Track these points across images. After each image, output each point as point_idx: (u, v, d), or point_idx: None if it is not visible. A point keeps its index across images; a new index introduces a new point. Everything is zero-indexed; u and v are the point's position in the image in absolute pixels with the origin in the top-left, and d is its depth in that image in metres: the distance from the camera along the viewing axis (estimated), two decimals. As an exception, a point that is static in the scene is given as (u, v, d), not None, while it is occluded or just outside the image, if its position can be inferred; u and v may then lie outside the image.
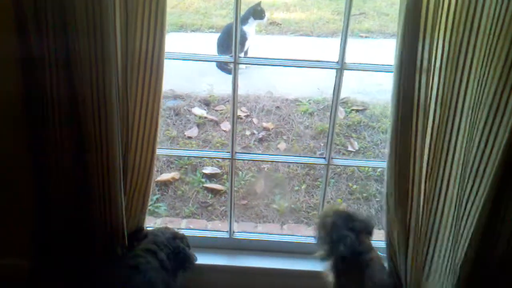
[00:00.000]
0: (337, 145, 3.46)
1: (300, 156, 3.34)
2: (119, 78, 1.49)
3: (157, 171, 3.18)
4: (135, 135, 1.63)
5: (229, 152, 1.94)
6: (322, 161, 1.97)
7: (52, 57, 1.46)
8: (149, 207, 2.84)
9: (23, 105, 1.55)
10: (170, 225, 2.12)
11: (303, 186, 3.11)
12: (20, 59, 1.49)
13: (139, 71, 1.54)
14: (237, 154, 1.97)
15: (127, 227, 1.72)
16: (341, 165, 3.13)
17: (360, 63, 1.77)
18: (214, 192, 3.04)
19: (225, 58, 2.03)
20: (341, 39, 1.67)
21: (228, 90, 3.83)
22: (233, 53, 1.74)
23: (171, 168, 3.23)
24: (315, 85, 4.19)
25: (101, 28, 1.39)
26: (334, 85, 1.77)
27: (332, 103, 1.82)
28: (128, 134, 1.60)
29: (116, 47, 1.45)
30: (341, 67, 1.72)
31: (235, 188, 2.67)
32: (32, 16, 1.41)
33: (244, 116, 3.80)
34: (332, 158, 1.92)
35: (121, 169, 1.60)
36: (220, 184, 3.11)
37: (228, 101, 3.97)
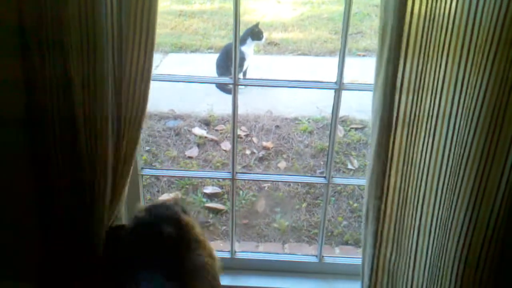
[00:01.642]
0: (337, 163, 3.48)
1: (301, 176, 3.35)
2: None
3: (158, 191, 3.19)
4: None
5: (230, 172, 1.96)
6: (322, 180, 1.98)
7: (53, 77, 1.48)
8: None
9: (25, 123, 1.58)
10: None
11: (304, 205, 3.11)
12: (24, 81, 1.51)
13: (129, 90, 1.55)
14: (238, 174, 1.98)
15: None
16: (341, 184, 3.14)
17: (358, 83, 1.80)
18: (215, 211, 3.05)
19: (225, 80, 2.06)
20: (339, 60, 1.70)
21: (228, 110, 3.87)
22: (232, 75, 1.77)
23: (172, 188, 3.24)
24: (314, 104, 4.22)
25: (94, 48, 1.43)
26: (333, 105, 1.80)
27: (331, 122, 1.84)
28: None
29: (114, 67, 1.49)
30: (339, 87, 1.75)
31: (236, 208, 2.67)
32: (34, 36, 1.44)
33: (244, 135, 3.83)
34: (332, 177, 1.94)
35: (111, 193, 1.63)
36: (221, 203, 3.12)
37: (228, 120, 4.00)
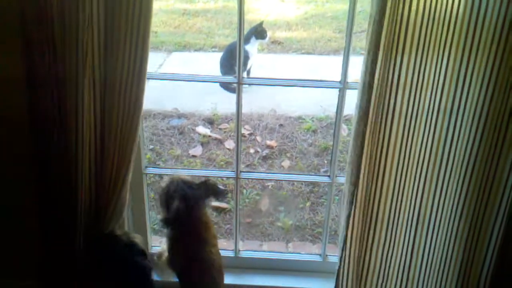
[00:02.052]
0: (341, 162, 3.45)
1: (305, 174, 3.35)
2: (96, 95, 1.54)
3: (162, 190, 3.19)
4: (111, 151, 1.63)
5: (234, 171, 1.96)
6: (326, 179, 1.98)
7: (53, 76, 1.49)
8: (154, 226, 2.86)
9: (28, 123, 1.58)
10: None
11: (308, 204, 3.11)
12: (26, 80, 1.52)
13: (120, 90, 1.54)
14: (242, 173, 1.98)
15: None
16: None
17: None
18: (219, 210, 3.05)
19: (229, 78, 2.06)
20: (343, 59, 1.70)
21: (232, 109, 3.86)
22: (236, 73, 1.77)
23: (175, 187, 3.23)
24: (318, 102, 4.22)
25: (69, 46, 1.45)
26: (337, 104, 1.79)
27: (335, 121, 1.84)
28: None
29: (100, 65, 1.50)
30: (343, 86, 1.74)
31: (240, 207, 2.67)
32: (35, 34, 1.45)
33: (248, 134, 3.82)
34: (336, 176, 1.93)
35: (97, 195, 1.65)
36: (225, 202, 3.12)
37: (231, 119, 4.00)
